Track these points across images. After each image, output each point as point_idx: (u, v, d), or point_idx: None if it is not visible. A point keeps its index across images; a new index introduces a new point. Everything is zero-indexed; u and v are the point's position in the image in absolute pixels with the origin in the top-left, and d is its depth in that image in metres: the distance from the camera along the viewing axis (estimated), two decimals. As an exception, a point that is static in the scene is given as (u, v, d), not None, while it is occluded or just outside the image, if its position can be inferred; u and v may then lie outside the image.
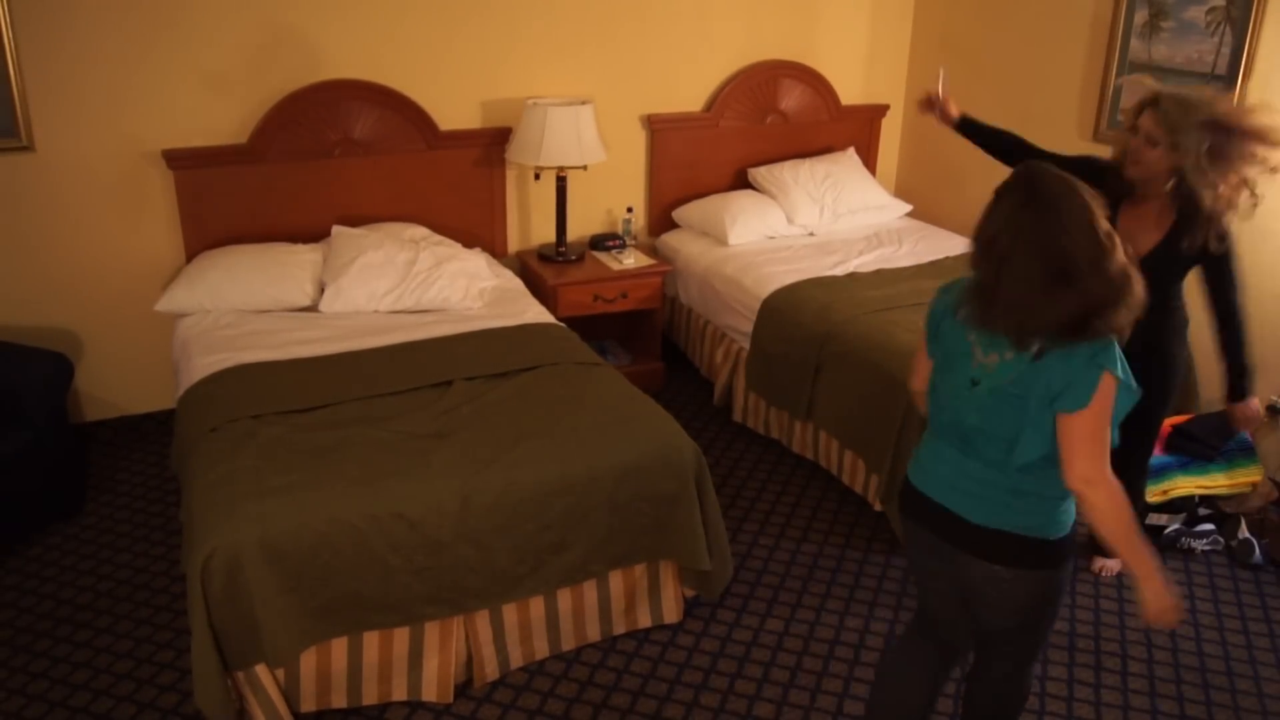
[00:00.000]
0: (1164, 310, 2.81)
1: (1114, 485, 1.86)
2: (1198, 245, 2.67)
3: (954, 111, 3.18)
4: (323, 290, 3.71)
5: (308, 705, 2.61)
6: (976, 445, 2.00)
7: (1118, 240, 1.83)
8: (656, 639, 2.99)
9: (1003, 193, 1.90)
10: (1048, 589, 2.04)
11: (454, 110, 4.25)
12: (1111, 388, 1.84)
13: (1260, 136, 2.50)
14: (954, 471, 2.05)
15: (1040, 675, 2.89)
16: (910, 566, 2.28)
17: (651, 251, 4.69)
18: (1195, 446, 3.56)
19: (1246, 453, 3.60)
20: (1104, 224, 1.82)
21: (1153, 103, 2.59)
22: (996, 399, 1.92)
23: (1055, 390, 1.85)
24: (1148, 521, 3.54)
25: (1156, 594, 1.91)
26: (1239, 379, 2.84)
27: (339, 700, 2.64)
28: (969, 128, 3.19)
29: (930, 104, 3.22)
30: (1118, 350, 1.86)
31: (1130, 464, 2.85)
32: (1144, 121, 2.60)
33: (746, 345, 4.11)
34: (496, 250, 4.47)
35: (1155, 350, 2.83)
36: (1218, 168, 2.49)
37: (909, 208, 5.01)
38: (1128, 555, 1.90)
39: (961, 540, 2.05)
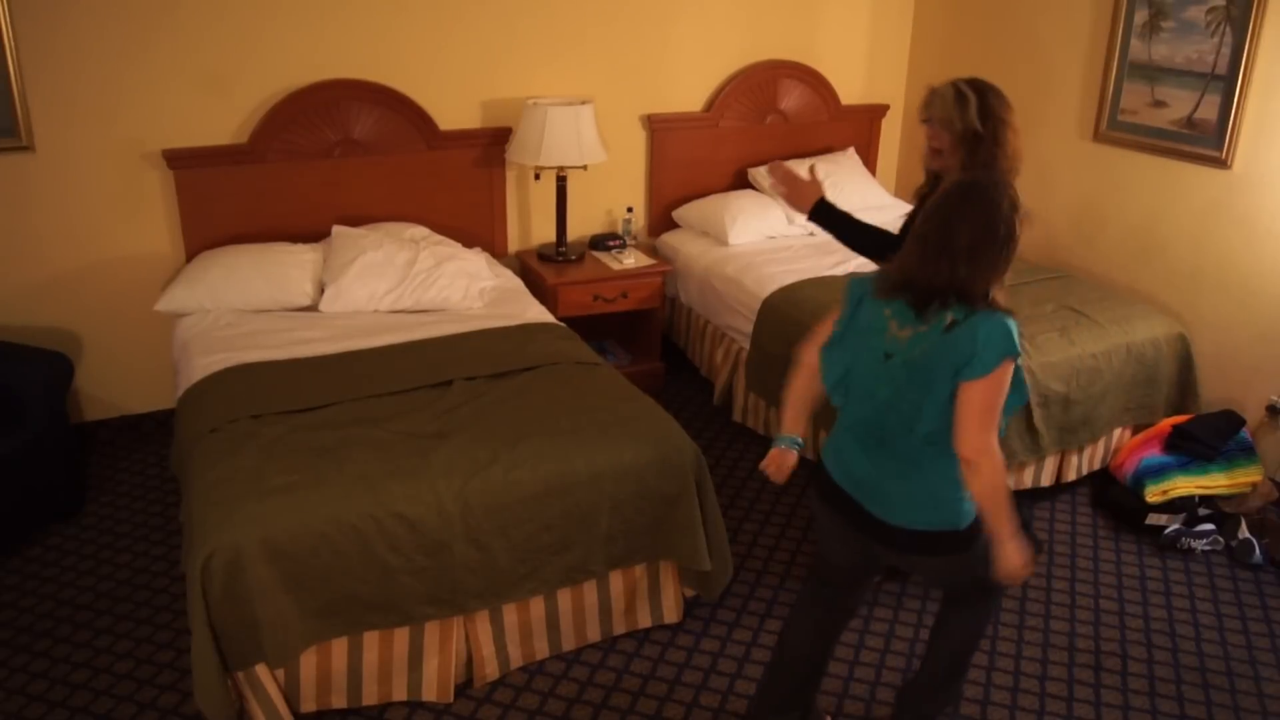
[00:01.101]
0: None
1: (999, 459, 2.04)
2: None
3: (819, 190, 2.85)
4: (323, 290, 3.71)
5: (308, 705, 2.61)
6: (888, 429, 2.14)
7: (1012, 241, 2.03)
8: (656, 639, 2.99)
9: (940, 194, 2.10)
10: (970, 561, 2.21)
11: (454, 110, 4.25)
12: (1008, 370, 2.02)
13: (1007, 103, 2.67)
14: (871, 473, 2.18)
15: (1040, 675, 2.89)
16: (819, 532, 2.43)
17: (651, 251, 4.69)
18: (1195, 446, 3.56)
19: (1246, 453, 3.61)
20: (1004, 227, 2.02)
21: (934, 93, 2.70)
22: (909, 370, 2.08)
23: (962, 360, 2.01)
24: (1148, 521, 3.54)
25: (1012, 554, 2.09)
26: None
27: (339, 700, 2.64)
28: (829, 215, 2.85)
29: (788, 178, 2.87)
30: (1019, 345, 2.03)
31: None
32: (933, 111, 2.68)
33: (746, 345, 4.11)
34: (496, 250, 4.47)
35: None
36: (989, 130, 2.60)
37: (909, 208, 5.00)
38: (999, 522, 2.08)
39: (878, 535, 2.21)
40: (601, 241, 4.53)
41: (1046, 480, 3.68)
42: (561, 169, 4.24)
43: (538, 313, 3.76)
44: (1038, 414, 3.45)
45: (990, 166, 2.56)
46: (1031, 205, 3.66)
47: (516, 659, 2.83)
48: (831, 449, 2.28)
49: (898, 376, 2.10)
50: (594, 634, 2.94)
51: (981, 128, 2.58)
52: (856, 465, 2.21)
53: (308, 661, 2.57)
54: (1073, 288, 4.07)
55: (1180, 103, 3.94)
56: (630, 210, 4.69)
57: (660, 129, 4.67)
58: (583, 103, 4.18)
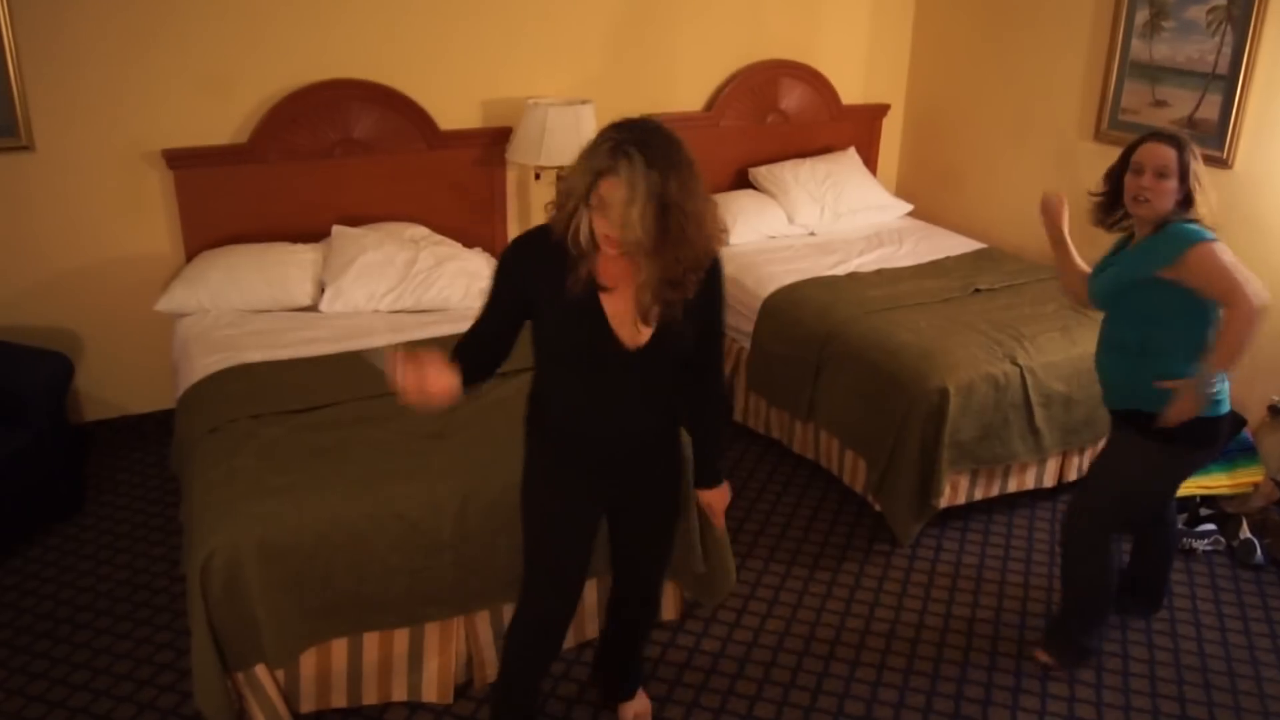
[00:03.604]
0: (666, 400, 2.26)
1: None
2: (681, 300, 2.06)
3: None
4: (323, 290, 3.71)
5: (308, 705, 2.61)
6: None
7: None
8: (656, 639, 2.98)
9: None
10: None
11: (454, 110, 4.25)
12: None
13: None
14: None
15: (1041, 675, 2.88)
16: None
17: (652, 251, 4.67)
18: (1196, 446, 3.55)
19: (1247, 453, 3.60)
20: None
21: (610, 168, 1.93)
22: None
23: None
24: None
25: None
26: (713, 464, 2.39)
27: (339, 700, 2.64)
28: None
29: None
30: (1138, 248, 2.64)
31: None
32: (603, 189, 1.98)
33: (747, 345, 4.11)
34: (496, 250, 4.46)
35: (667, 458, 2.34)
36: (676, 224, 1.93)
37: (910, 207, 5.01)
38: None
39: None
40: (602, 241, 4.52)
41: (1049, 481, 3.68)
42: (562, 169, 4.24)
43: (538, 313, 3.75)
44: (1039, 414, 3.44)
45: (688, 244, 1.96)
46: (1032, 205, 3.63)
47: (517, 659, 2.83)
48: None
49: None
50: (594, 634, 2.93)
51: (659, 234, 1.90)
52: None
53: (308, 661, 2.57)
54: (1074, 287, 4.06)
55: (1181, 102, 3.93)
56: (630, 210, 4.68)
57: (661, 129, 4.66)
58: (583, 103, 4.17)
